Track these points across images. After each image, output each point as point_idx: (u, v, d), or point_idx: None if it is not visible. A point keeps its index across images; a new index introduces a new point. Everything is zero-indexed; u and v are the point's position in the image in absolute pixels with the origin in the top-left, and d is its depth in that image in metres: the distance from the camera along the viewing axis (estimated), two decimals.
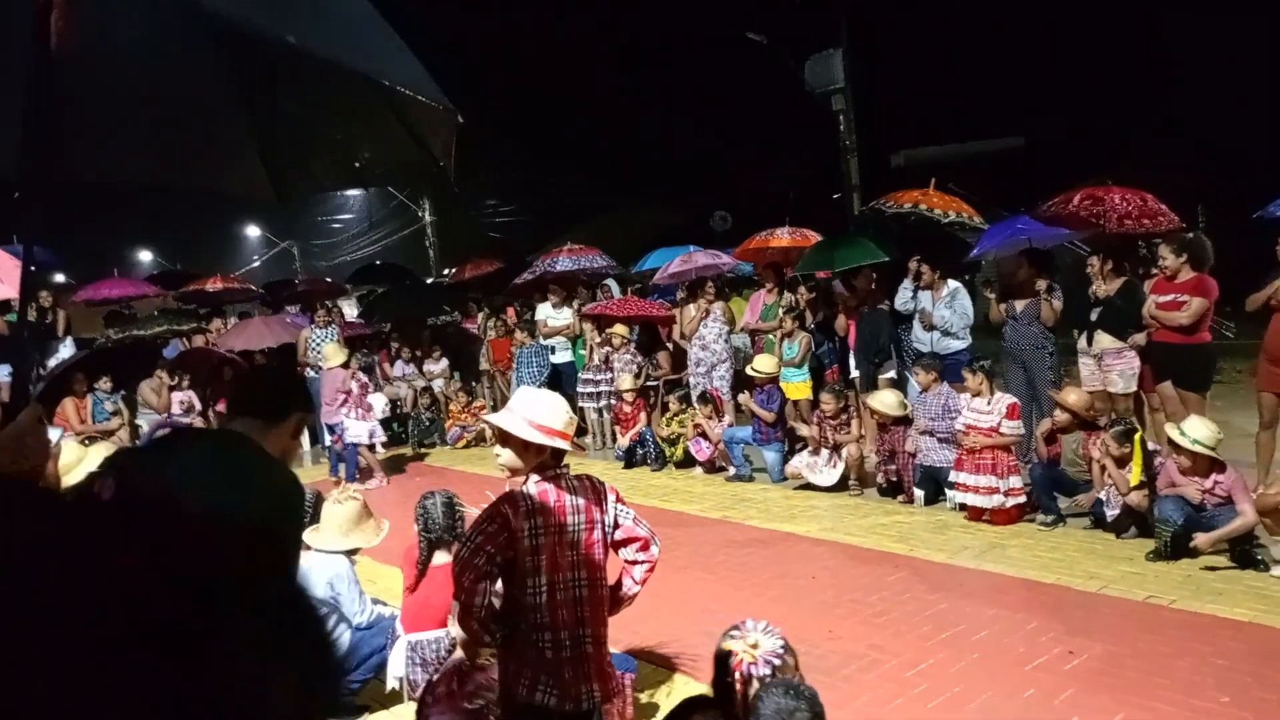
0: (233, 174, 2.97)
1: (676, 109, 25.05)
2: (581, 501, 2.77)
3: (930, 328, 8.22)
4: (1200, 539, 5.20)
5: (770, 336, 9.45)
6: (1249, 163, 15.17)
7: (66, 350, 11.69)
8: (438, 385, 12.75)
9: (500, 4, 27.17)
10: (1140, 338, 6.97)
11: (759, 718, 2.12)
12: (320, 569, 4.15)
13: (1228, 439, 5.66)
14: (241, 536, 0.69)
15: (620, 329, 10.32)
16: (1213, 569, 5.25)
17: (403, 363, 13.21)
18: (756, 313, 9.90)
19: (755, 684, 2.29)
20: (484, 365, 12.64)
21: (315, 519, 4.39)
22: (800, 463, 7.99)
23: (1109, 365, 7.17)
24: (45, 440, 1.74)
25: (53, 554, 0.59)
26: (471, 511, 3.94)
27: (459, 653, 3.45)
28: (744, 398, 8.72)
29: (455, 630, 3.23)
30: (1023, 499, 6.51)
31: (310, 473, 10.28)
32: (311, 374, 10.90)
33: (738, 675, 2.34)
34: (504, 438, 2.80)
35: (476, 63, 22.31)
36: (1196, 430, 5.37)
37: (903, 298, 8.62)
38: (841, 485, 7.74)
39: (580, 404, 10.46)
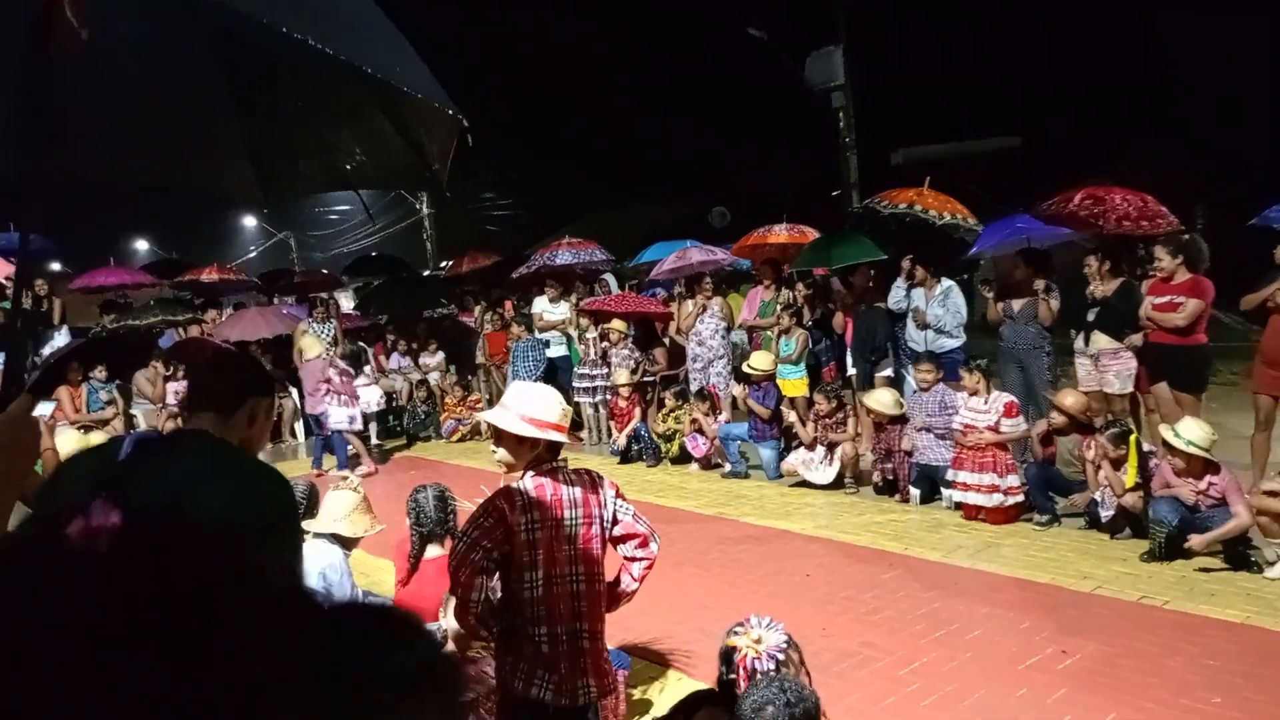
0: (220, 174, 2.94)
1: (676, 107, 25.00)
2: (579, 495, 2.77)
3: (924, 326, 8.23)
4: (1195, 540, 5.22)
5: (767, 333, 9.46)
6: (1248, 163, 15.16)
7: (62, 339, 11.66)
8: (433, 378, 12.74)
9: (499, 4, 27.13)
10: (1137, 338, 6.98)
11: (741, 714, 2.13)
12: (314, 558, 4.13)
13: (1223, 441, 5.68)
14: (225, 537, 0.68)
15: (618, 324, 10.32)
16: (1206, 570, 5.27)
17: (398, 355, 13.20)
18: (754, 309, 9.90)
19: (760, 679, 2.29)
20: (480, 359, 12.62)
21: (312, 509, 4.38)
22: (796, 460, 8.00)
23: (1105, 366, 7.18)
24: (38, 431, 1.73)
25: (52, 554, 0.59)
26: (464, 505, 3.93)
27: (450, 646, 3.45)
28: (739, 391, 8.72)
29: (446, 623, 3.23)
30: (1021, 498, 6.53)
31: (305, 465, 10.27)
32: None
33: (742, 670, 2.35)
34: (499, 434, 2.80)
35: (475, 62, 22.23)
36: (1191, 432, 5.39)
37: (895, 296, 8.63)
38: (837, 483, 7.75)
39: (576, 399, 10.44)
